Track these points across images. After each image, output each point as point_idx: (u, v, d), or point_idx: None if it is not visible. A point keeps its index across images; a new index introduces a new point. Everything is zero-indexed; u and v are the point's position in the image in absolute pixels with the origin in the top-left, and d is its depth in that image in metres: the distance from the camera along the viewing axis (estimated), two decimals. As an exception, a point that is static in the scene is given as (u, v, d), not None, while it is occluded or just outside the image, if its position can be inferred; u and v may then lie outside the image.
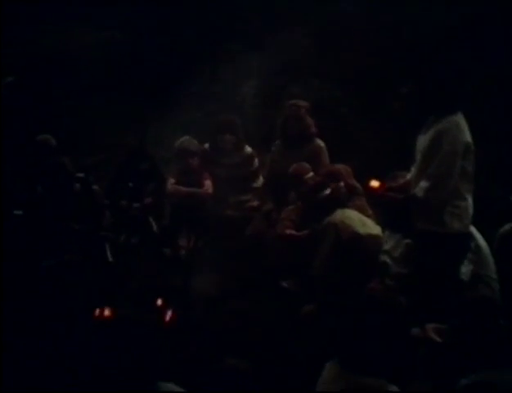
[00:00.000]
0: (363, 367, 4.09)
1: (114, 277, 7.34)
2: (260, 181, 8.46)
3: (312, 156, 7.84)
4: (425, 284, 5.79)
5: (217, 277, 7.34)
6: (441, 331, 4.89)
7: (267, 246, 7.51)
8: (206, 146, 8.47)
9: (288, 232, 7.27)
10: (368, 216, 7.01)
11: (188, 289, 7.11)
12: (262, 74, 10.40)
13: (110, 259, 7.71)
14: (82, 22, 11.77)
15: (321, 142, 8.07)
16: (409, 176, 6.04)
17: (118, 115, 10.71)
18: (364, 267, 6.53)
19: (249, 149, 8.47)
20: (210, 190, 8.17)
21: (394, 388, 4.14)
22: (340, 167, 7.38)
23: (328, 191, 7.08)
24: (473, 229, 6.01)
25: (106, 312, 6.24)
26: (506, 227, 6.76)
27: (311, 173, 7.46)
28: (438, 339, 4.87)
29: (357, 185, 7.28)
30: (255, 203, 8.23)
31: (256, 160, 8.49)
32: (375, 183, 6.03)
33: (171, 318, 6.34)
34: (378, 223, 6.93)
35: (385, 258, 6.40)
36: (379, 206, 6.93)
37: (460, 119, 5.71)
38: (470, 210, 5.79)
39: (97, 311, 6.27)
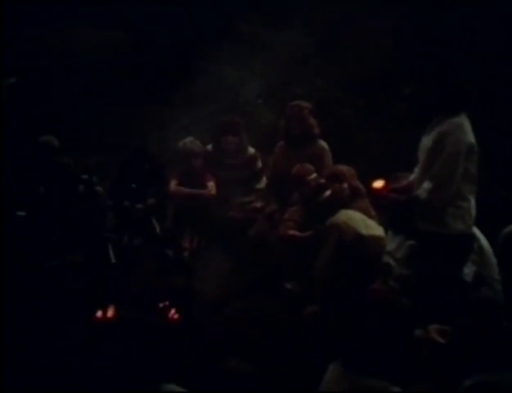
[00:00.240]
0: (366, 368, 4.09)
1: (117, 278, 7.35)
2: (263, 182, 8.46)
3: (315, 157, 7.84)
4: (428, 285, 5.78)
5: (220, 278, 7.33)
6: (444, 332, 4.88)
7: (270, 247, 7.52)
8: (209, 147, 8.48)
9: (291, 233, 7.27)
10: (371, 217, 7.01)
11: (191, 290, 7.10)
12: (265, 74, 10.41)
13: (113, 260, 7.73)
14: (84, 22, 11.78)
15: (324, 143, 8.07)
16: (412, 177, 6.03)
17: (121, 116, 10.73)
18: (367, 268, 6.53)
19: (252, 150, 8.47)
20: (213, 191, 8.18)
21: (397, 389, 4.14)
22: (343, 168, 7.37)
23: (329, 193, 7.09)
24: (475, 230, 6.00)
25: (109, 313, 6.26)
26: (509, 228, 6.74)
27: (314, 175, 7.46)
28: (441, 340, 4.86)
29: (361, 186, 7.27)
30: (258, 204, 8.24)
31: (259, 161, 8.50)
32: (378, 184, 6.03)
33: (174, 318, 6.36)
34: (381, 224, 6.93)
35: (388, 259, 6.40)
36: (382, 207, 6.93)
37: (464, 121, 5.70)
38: (473, 211, 5.79)
39: (100, 312, 6.29)
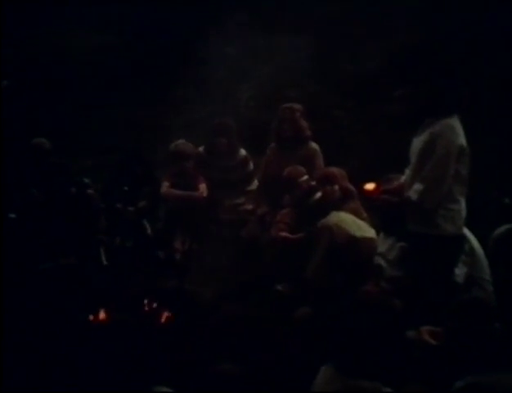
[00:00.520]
0: (358, 369, 4.10)
1: (109, 281, 7.34)
2: (255, 184, 8.46)
3: (306, 159, 7.85)
4: (420, 287, 5.80)
5: (211, 280, 7.34)
6: (435, 333, 4.89)
7: (262, 249, 7.52)
8: (201, 149, 8.47)
9: (283, 235, 7.27)
10: (363, 219, 7.02)
11: (182, 292, 7.10)
12: (258, 77, 10.42)
13: (105, 262, 7.73)
14: (75, 26, 11.77)
15: (315, 145, 8.08)
16: (403, 179, 6.04)
17: (112, 118, 10.72)
18: (358, 270, 6.53)
19: (243, 152, 8.47)
20: (205, 193, 8.18)
21: (389, 390, 4.15)
22: (335, 170, 7.38)
23: (319, 195, 7.10)
24: (467, 231, 6.02)
25: (101, 315, 6.26)
26: (500, 229, 6.77)
27: (305, 177, 7.47)
28: (433, 341, 4.87)
29: (352, 188, 7.27)
30: (250, 206, 8.24)
31: (251, 163, 8.50)
32: (369, 186, 6.04)
33: (165, 321, 6.36)
34: (372, 225, 6.94)
35: (380, 261, 6.41)
36: (373, 209, 6.94)
37: (455, 122, 5.70)
38: (463, 213, 5.79)
39: (93, 314, 6.28)
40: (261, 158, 8.44)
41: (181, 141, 8.35)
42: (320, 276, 6.68)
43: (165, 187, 8.23)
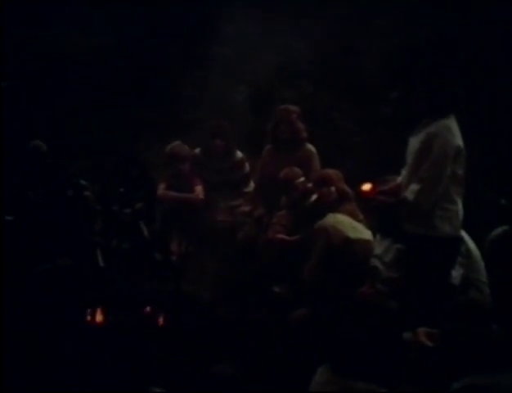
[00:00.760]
0: (354, 371, 4.10)
1: (106, 283, 7.34)
2: (251, 186, 8.46)
3: (302, 161, 7.85)
4: (416, 288, 5.79)
5: (208, 282, 7.34)
6: (432, 335, 4.89)
7: (259, 251, 7.52)
8: (197, 151, 8.47)
9: (279, 236, 7.27)
10: (359, 221, 7.01)
11: (179, 294, 7.10)
12: (253, 78, 10.41)
13: (102, 264, 7.72)
14: (71, 27, 11.76)
15: (311, 147, 8.07)
16: (399, 179, 6.04)
17: (108, 120, 10.72)
18: (355, 271, 6.53)
19: (239, 154, 8.47)
20: (201, 195, 8.17)
21: (385, 392, 4.15)
22: (331, 172, 7.38)
23: (315, 197, 7.11)
24: (463, 233, 6.01)
25: (98, 317, 6.25)
26: (497, 231, 6.78)
27: (302, 178, 7.47)
28: (429, 343, 4.87)
29: (348, 190, 7.27)
30: (246, 208, 8.23)
31: (247, 165, 8.50)
32: (366, 187, 6.03)
33: (162, 322, 6.35)
34: (369, 227, 6.94)
35: (376, 262, 6.40)
36: (370, 210, 6.94)
37: (452, 123, 5.70)
38: (460, 214, 5.78)
39: (89, 316, 6.28)
40: (257, 160, 8.44)
41: (177, 142, 8.34)
42: (316, 277, 6.67)
43: (161, 189, 8.24)
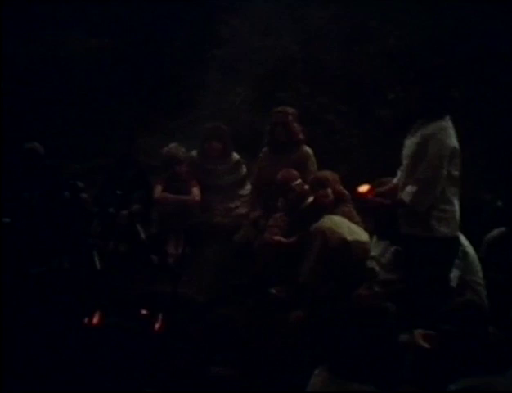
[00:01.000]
0: (352, 373, 4.10)
1: (103, 285, 7.33)
2: (248, 188, 8.45)
3: (299, 163, 7.85)
4: (413, 290, 5.79)
5: (205, 284, 7.33)
6: (429, 337, 4.90)
7: (255, 253, 7.52)
8: (194, 153, 8.47)
9: (276, 238, 7.28)
10: (356, 222, 7.02)
11: (176, 296, 7.09)
12: (250, 80, 10.41)
13: (98, 266, 7.71)
14: (70, 29, 11.76)
15: (308, 149, 8.07)
16: (395, 181, 6.04)
17: (106, 122, 10.72)
18: (352, 273, 6.54)
19: (236, 156, 8.47)
20: (198, 197, 8.17)
21: (382, 393, 4.16)
22: (328, 174, 7.39)
23: (312, 199, 7.12)
24: (460, 235, 6.01)
25: (94, 319, 6.25)
26: (493, 233, 6.79)
27: (298, 180, 7.47)
28: (426, 345, 4.87)
29: (345, 191, 7.28)
30: (243, 210, 8.24)
31: (244, 167, 8.50)
32: (363, 188, 6.02)
33: (159, 325, 6.34)
34: (365, 229, 6.94)
35: (373, 264, 6.42)
36: (367, 212, 6.94)
37: (448, 124, 5.70)
38: (457, 214, 5.77)
39: (86, 319, 6.27)
40: (254, 162, 8.44)
41: (173, 145, 8.35)
42: (313, 279, 6.68)
43: (158, 191, 8.24)
